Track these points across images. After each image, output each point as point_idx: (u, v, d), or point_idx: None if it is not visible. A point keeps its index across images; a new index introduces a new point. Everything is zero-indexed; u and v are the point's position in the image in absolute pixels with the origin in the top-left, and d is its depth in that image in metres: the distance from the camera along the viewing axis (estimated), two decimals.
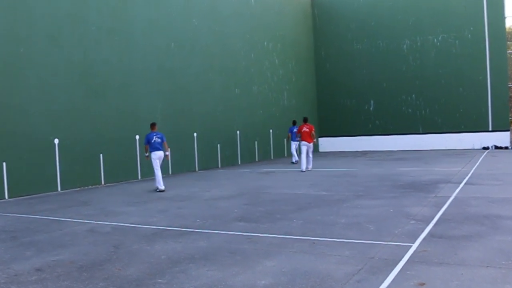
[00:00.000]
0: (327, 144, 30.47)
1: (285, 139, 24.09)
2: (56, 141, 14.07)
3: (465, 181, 12.36)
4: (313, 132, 17.29)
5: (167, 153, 13.27)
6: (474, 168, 15.49)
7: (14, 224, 8.87)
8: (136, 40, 17.05)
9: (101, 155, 15.44)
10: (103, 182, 15.51)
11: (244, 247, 6.33)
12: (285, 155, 26.36)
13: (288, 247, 6.23)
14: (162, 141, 13.09)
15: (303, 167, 17.11)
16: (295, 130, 19.95)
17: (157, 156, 13.02)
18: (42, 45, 13.87)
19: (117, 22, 16.30)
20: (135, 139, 16.71)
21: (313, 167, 17.98)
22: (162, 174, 13.39)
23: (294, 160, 21.15)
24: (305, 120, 17.70)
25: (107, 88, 15.85)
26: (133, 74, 16.84)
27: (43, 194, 13.43)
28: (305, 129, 17.24)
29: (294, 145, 21.17)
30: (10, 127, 12.84)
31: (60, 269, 5.61)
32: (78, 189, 14.50)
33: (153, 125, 13.31)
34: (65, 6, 14.55)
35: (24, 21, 13.43)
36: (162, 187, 12.84)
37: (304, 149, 17.23)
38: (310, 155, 17.58)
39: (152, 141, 13.00)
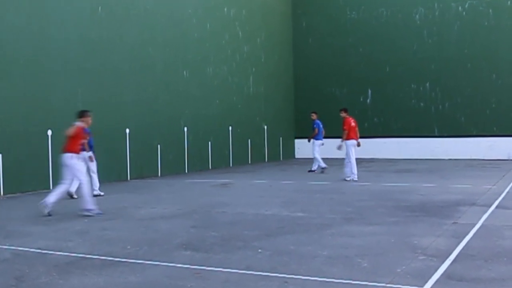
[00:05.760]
0: (307, 148, 29.87)
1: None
2: None
3: (496, 203, 12.46)
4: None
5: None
6: (510, 186, 15.58)
7: None
8: (51, 1, 16.94)
9: (0, 156, 15.36)
10: (2, 192, 15.38)
11: (190, 284, 6.40)
12: (249, 162, 26.49)
13: (251, 286, 6.32)
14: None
15: (355, 174, 17.74)
16: (322, 125, 20.61)
17: None
18: None
19: None
20: (47, 136, 16.57)
21: (285, 179, 18.19)
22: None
23: (322, 166, 21.12)
24: (347, 111, 18.50)
25: (10, 66, 15.66)
26: (46, 48, 16.68)
27: None
28: (353, 123, 18.10)
29: (318, 146, 21.40)
30: None
31: None
32: None
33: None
34: None
35: None
36: None
37: (353, 150, 17.85)
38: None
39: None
